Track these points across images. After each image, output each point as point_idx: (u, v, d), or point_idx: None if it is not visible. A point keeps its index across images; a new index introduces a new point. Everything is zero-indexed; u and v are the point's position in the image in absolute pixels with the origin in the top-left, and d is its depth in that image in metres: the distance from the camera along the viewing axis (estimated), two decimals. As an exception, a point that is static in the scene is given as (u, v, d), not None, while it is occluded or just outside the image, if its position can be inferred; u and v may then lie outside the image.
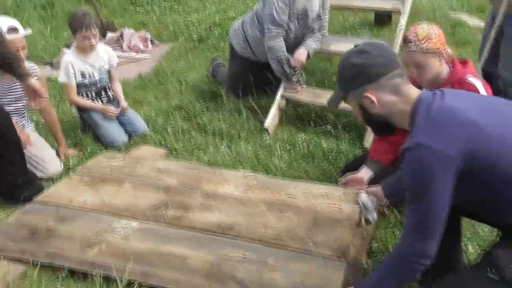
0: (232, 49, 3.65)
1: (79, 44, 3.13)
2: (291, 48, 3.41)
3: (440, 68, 2.13)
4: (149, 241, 2.11)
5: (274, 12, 3.17)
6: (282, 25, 3.23)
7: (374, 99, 1.53)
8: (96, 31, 3.10)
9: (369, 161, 2.34)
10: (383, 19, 4.87)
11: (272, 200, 2.35)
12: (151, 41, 5.15)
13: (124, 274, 1.91)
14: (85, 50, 3.15)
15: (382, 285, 1.56)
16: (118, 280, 1.88)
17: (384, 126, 1.62)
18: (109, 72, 3.33)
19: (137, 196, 2.44)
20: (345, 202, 2.31)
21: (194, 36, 5.13)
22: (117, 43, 5.02)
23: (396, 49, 3.37)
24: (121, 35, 5.12)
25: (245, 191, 2.44)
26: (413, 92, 1.53)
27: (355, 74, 1.54)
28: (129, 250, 2.06)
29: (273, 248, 2.04)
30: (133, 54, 4.89)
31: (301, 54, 3.38)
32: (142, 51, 4.95)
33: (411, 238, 1.45)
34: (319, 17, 3.41)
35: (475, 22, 4.99)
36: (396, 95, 1.53)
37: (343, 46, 3.61)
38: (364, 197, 2.02)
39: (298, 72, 3.40)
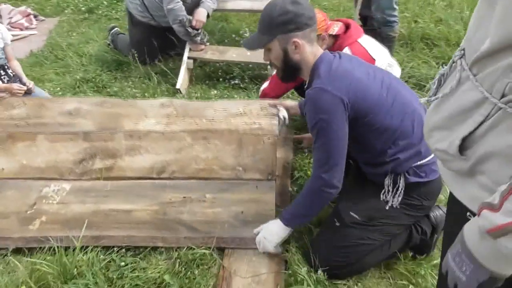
0: (130, 16, 3.60)
1: None
2: (190, 9, 3.46)
3: (324, 47, 2.38)
4: (87, 202, 2.09)
5: None
6: None
7: (300, 44, 1.74)
8: None
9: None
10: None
11: (195, 129, 2.34)
12: (35, 16, 4.91)
13: (76, 243, 1.87)
14: None
15: (300, 211, 1.83)
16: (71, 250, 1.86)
17: (291, 73, 1.85)
18: (3, 50, 3.23)
19: (56, 150, 2.27)
20: (263, 117, 2.39)
21: (82, 7, 4.89)
22: (-5, 21, 4.66)
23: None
24: (-1, 12, 4.83)
25: (167, 124, 2.37)
26: (319, 49, 1.82)
27: (287, 21, 1.71)
28: (70, 215, 2.02)
29: (208, 182, 2.18)
30: (17, 31, 4.60)
31: (201, 13, 3.46)
32: (27, 28, 4.58)
33: (319, 171, 1.73)
34: None
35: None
36: (311, 47, 1.78)
37: (237, 3, 3.87)
38: (283, 111, 2.36)
39: (200, 31, 3.48)
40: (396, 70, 2.58)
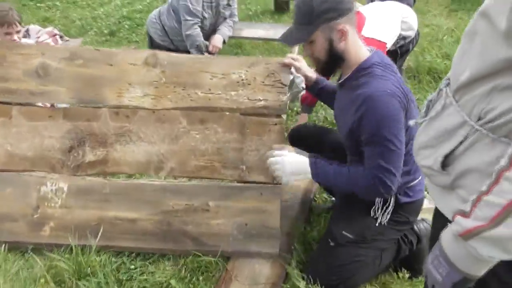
0: (151, 40, 3.74)
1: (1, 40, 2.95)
2: (207, 35, 3.65)
3: None
4: (89, 207, 2.04)
5: (189, 3, 3.40)
6: (197, 14, 3.46)
7: (346, 31, 1.60)
8: (19, 28, 3.00)
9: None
10: (282, 6, 5.39)
11: (190, 107, 2.04)
12: (60, 36, 5.25)
13: (91, 250, 1.95)
14: None
15: (336, 180, 1.73)
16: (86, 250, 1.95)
17: (334, 65, 1.72)
18: None
19: (39, 133, 2.08)
20: (270, 88, 2.02)
21: (104, 30, 5.09)
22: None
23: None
24: (27, 32, 5.15)
25: (156, 97, 2.05)
26: (359, 37, 1.68)
27: (329, 8, 1.58)
28: (77, 221, 2.02)
29: (210, 186, 2.04)
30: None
31: (217, 40, 3.65)
32: None
33: (379, 172, 1.62)
34: (228, 5, 3.69)
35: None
36: (354, 33, 1.65)
37: (252, 31, 4.08)
38: (300, 78, 2.06)
39: (216, 56, 3.55)
40: (412, 19, 2.73)
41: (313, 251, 2.05)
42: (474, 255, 0.88)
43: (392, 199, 1.81)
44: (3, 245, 2.02)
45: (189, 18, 3.48)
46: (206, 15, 3.58)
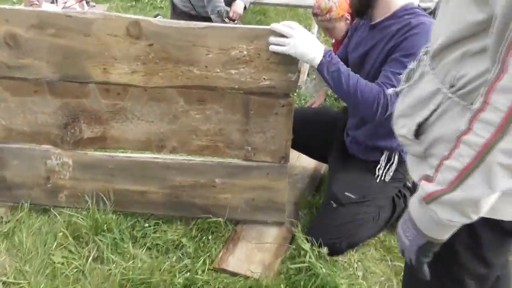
0: (173, 5, 3.65)
1: (25, 4, 3.13)
2: (230, 1, 3.53)
3: (347, 26, 2.62)
4: (98, 179, 2.05)
5: None
6: None
7: None
8: None
9: None
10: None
11: (186, 85, 1.81)
12: (87, 1, 5.14)
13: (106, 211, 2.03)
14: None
15: (344, 80, 1.67)
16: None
17: (367, 4, 1.80)
18: None
19: (29, 109, 1.96)
20: (276, 66, 1.73)
21: None
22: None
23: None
24: (55, -3, 5.07)
25: (146, 74, 1.80)
26: None
27: None
28: (88, 190, 2.06)
29: (215, 165, 1.97)
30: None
31: (239, 6, 3.53)
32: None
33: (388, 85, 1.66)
34: None
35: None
36: None
37: None
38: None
39: (237, 23, 3.48)
40: None
41: (316, 214, 2.11)
42: (435, 219, 0.88)
43: (396, 156, 1.94)
44: (26, 203, 2.15)
45: None
46: None
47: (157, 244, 1.97)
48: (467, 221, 0.86)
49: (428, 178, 0.88)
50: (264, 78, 1.75)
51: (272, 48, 1.63)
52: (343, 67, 1.65)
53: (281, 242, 1.99)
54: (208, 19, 3.56)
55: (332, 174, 2.09)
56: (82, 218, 2.00)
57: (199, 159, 1.99)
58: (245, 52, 1.71)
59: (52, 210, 2.12)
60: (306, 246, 1.87)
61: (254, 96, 1.80)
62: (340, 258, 1.95)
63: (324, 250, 1.85)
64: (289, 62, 1.70)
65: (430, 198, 0.87)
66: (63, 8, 4.91)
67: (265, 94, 1.79)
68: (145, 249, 1.95)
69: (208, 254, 1.95)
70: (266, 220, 2.06)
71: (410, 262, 1.00)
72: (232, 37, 1.70)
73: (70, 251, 1.95)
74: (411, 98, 1.02)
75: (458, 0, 0.88)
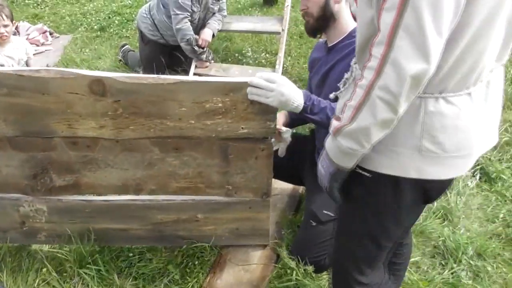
0: (141, 34, 3.53)
1: None
2: (197, 29, 3.44)
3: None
4: (77, 222, 1.87)
5: None
6: (187, 8, 3.24)
7: None
8: (7, 22, 2.76)
9: None
10: (271, -2, 4.94)
11: (159, 135, 1.59)
12: (50, 33, 4.72)
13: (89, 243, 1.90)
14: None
15: (330, 114, 1.56)
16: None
17: (322, 25, 1.77)
18: (26, 63, 3.03)
19: None
20: (254, 116, 1.52)
21: (95, 25, 4.74)
22: (14, 38, 4.52)
23: (286, 26, 3.57)
24: (17, 29, 4.62)
25: (116, 129, 1.57)
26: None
27: None
28: (67, 231, 1.88)
29: (197, 202, 1.81)
30: (34, 47, 4.45)
31: (207, 34, 3.45)
32: (43, 44, 4.47)
33: None
34: (217, 0, 3.48)
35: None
36: (346, 4, 1.77)
37: (241, 25, 3.83)
38: (287, 131, 1.77)
39: (206, 50, 3.45)
40: None
41: (298, 233, 2.04)
42: (341, 148, 1.03)
43: None
44: (4, 243, 1.98)
45: (179, 12, 3.25)
46: (195, 9, 3.35)
47: (143, 273, 1.89)
48: (362, 149, 1.01)
49: (337, 118, 1.03)
50: (242, 127, 1.58)
51: (253, 98, 1.47)
52: (322, 103, 1.56)
53: (267, 262, 1.94)
54: (176, 47, 3.52)
55: (310, 194, 2.00)
56: (65, 253, 1.90)
57: (179, 198, 1.83)
58: (220, 104, 1.51)
59: (32, 247, 2.01)
60: (292, 264, 1.83)
61: (232, 143, 1.64)
62: (325, 274, 1.88)
63: (310, 268, 1.80)
64: (268, 111, 1.53)
65: (337, 132, 1.02)
66: (26, 39, 4.47)
67: (244, 140, 1.63)
68: (131, 279, 1.86)
69: (195, 279, 1.89)
70: (251, 244, 2.00)
71: (326, 189, 1.17)
72: (205, 91, 1.50)
73: (53, 286, 1.85)
74: (343, 99, 1.11)
75: (359, 0, 1.01)
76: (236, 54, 4.01)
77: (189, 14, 3.32)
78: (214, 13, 3.59)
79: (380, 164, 1.07)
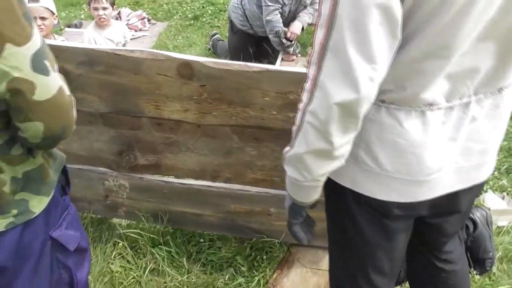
0: (231, 24, 3.62)
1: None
2: (287, 21, 3.45)
3: None
4: (153, 201, 1.96)
5: None
6: (279, 1, 3.27)
7: None
8: (107, 5, 2.95)
9: None
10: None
11: (240, 124, 1.61)
12: (148, 20, 5.03)
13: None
14: (100, 24, 3.05)
15: None
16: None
17: None
18: (124, 46, 3.22)
19: (85, 137, 1.83)
20: None
21: (189, 14, 5.00)
22: (116, 23, 4.90)
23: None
24: (119, 14, 4.98)
25: (199, 114, 1.61)
26: None
27: None
28: (145, 209, 1.97)
29: (271, 195, 1.82)
30: (132, 32, 4.77)
31: (296, 27, 3.44)
32: (141, 30, 4.79)
33: None
34: None
35: None
36: None
37: None
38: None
39: (294, 43, 3.45)
40: None
41: None
42: (289, 178, 0.96)
43: None
44: (88, 214, 2.12)
45: (270, 3, 3.29)
46: (286, 1, 3.37)
47: (211, 260, 1.93)
48: (302, 179, 0.92)
49: (290, 145, 0.94)
50: None
51: None
52: None
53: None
54: (264, 38, 3.57)
55: None
56: (140, 231, 1.98)
57: (254, 189, 1.84)
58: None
59: (112, 220, 2.15)
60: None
61: None
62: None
63: None
64: None
65: (284, 159, 0.95)
66: (126, 25, 4.78)
67: None
68: (199, 265, 1.92)
69: (262, 274, 1.89)
70: (322, 245, 1.92)
71: (287, 225, 1.11)
72: (290, 82, 1.47)
73: (128, 261, 1.96)
74: None
75: None
76: (324, 49, 3.94)
77: (280, 6, 3.35)
78: (306, 6, 3.56)
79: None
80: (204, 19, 4.90)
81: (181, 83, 1.54)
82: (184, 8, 5.15)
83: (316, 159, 0.86)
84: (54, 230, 1.03)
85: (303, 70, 1.49)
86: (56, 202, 1.04)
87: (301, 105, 0.85)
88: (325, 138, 0.82)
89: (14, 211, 0.93)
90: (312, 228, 1.15)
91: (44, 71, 0.84)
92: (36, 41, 0.82)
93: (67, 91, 0.90)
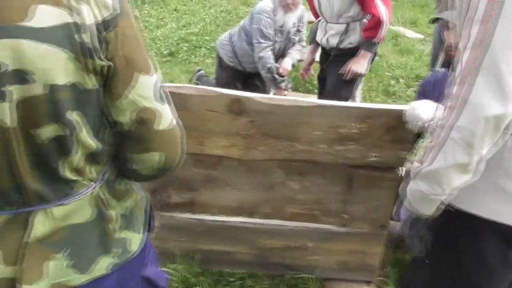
0: (220, 60, 3.67)
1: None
2: (276, 58, 3.53)
3: None
4: (184, 239, 1.90)
5: (262, 27, 3.28)
6: (270, 38, 3.35)
7: None
8: None
9: None
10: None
11: (286, 158, 1.61)
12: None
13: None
14: None
15: None
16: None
17: None
18: None
19: None
20: (389, 143, 1.52)
21: (164, 51, 5.00)
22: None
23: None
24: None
25: (244, 149, 1.59)
26: None
27: None
28: (172, 249, 1.90)
29: (308, 230, 1.80)
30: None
31: (287, 63, 3.54)
32: None
33: None
34: (298, 31, 3.58)
35: (411, 33, 5.45)
36: None
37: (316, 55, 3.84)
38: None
39: (285, 78, 3.53)
40: None
41: (406, 270, 1.89)
42: (418, 192, 1.02)
43: None
44: None
45: (262, 41, 3.37)
46: (277, 39, 3.49)
47: None
48: (436, 194, 0.98)
49: (419, 161, 1.03)
50: (373, 155, 1.58)
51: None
52: None
53: (373, 307, 1.93)
54: (252, 74, 3.65)
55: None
56: (171, 271, 1.91)
57: (291, 224, 1.83)
58: (355, 130, 1.53)
59: None
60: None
61: (359, 170, 1.64)
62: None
63: None
64: (405, 139, 1.53)
65: (415, 174, 1.02)
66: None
67: (372, 168, 1.63)
68: None
69: None
70: (355, 279, 1.94)
71: (406, 239, 1.18)
72: (342, 116, 1.53)
73: None
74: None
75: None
76: (314, 82, 4.09)
77: (272, 43, 3.44)
78: (294, 43, 3.69)
79: (460, 199, 1.02)
80: (180, 55, 4.93)
81: (230, 119, 1.54)
82: (158, 45, 5.15)
83: (455, 173, 0.93)
84: (144, 268, 0.98)
85: (355, 104, 1.57)
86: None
87: (443, 122, 0.92)
88: (469, 153, 0.89)
89: (116, 250, 0.88)
90: (427, 240, 1.19)
91: (164, 100, 0.83)
92: (156, 70, 0.81)
93: (179, 121, 0.89)
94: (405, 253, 2.12)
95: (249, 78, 3.71)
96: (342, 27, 2.71)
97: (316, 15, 2.95)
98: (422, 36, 5.53)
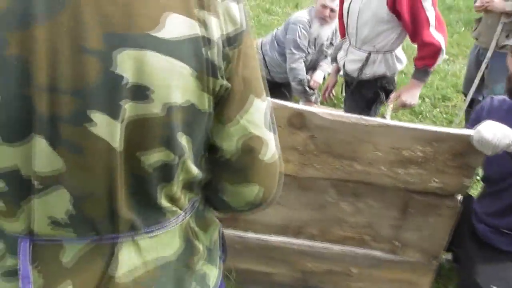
0: None
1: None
2: (307, 70, 3.47)
3: None
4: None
5: (297, 38, 3.24)
6: (303, 49, 3.30)
7: None
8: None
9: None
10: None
11: (342, 178, 1.55)
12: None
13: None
14: None
15: None
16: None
17: None
18: None
19: None
20: (453, 169, 1.47)
21: None
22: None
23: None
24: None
25: (300, 164, 1.55)
26: None
27: None
28: None
29: (355, 255, 1.74)
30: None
31: (319, 76, 3.50)
32: None
33: None
34: (331, 44, 3.49)
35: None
36: None
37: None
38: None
39: (315, 91, 3.47)
40: None
41: None
42: None
43: None
44: None
45: (295, 51, 3.31)
46: (310, 51, 3.43)
47: None
48: None
49: None
50: (434, 180, 1.50)
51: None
52: None
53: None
54: (280, 84, 3.59)
55: (471, 264, 1.83)
56: None
57: (337, 247, 1.74)
58: (419, 153, 1.46)
59: None
60: None
61: (417, 196, 1.56)
62: None
63: None
64: (469, 165, 1.46)
65: None
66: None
67: (431, 194, 1.55)
68: None
69: None
70: None
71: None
72: (407, 137, 1.45)
73: None
74: None
75: None
76: (332, 98, 4.03)
77: (304, 55, 3.40)
78: (326, 56, 3.63)
79: None
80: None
81: (289, 132, 1.47)
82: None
83: None
84: None
85: (421, 126, 1.49)
86: None
87: None
88: None
89: (195, 285, 0.80)
90: None
91: (272, 128, 0.74)
92: (268, 94, 0.74)
93: (280, 154, 0.82)
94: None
95: (276, 87, 3.64)
96: (363, 55, 2.57)
97: (343, 34, 2.85)
98: (446, 57, 5.49)
